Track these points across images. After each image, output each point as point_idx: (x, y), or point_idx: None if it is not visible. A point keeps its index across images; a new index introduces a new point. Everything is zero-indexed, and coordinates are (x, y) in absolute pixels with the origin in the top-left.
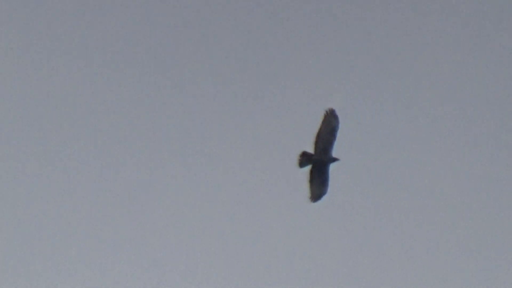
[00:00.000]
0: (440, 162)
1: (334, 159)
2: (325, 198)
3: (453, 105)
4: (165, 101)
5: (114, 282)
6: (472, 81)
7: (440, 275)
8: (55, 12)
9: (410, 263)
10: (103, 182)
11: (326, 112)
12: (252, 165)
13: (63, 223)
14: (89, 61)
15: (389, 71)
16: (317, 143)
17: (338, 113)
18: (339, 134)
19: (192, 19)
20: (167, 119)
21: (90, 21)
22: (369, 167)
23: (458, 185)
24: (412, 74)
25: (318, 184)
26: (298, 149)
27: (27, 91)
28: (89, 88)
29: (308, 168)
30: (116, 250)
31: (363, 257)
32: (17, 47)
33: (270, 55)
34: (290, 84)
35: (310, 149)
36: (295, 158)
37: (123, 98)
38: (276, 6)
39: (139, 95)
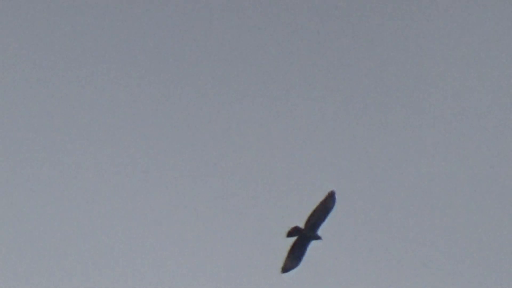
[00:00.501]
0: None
1: (318, 237)
2: (293, 272)
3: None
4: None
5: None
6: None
7: None
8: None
9: None
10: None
11: (328, 193)
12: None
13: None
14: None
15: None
16: (309, 219)
17: (336, 196)
18: (330, 216)
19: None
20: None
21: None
22: (348, 247)
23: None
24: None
25: (294, 257)
26: (290, 222)
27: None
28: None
29: (293, 240)
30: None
31: None
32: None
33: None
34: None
35: (301, 224)
36: (286, 228)
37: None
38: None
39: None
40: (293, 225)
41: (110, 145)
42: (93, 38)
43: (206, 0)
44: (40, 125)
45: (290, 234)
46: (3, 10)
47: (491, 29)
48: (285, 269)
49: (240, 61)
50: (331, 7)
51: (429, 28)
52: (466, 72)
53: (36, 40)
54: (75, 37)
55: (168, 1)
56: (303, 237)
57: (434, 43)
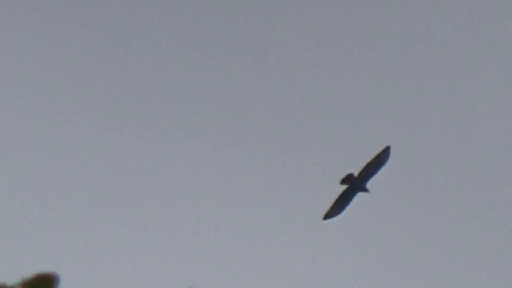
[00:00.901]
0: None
1: (366, 190)
2: (335, 220)
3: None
4: None
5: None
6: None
7: None
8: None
9: None
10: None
11: (385, 147)
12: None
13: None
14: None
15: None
16: (363, 170)
17: (391, 152)
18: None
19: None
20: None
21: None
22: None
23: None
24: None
25: (340, 206)
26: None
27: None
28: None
29: (344, 187)
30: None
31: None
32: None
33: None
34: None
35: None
36: (341, 174)
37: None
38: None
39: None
40: (347, 173)
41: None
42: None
43: None
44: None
45: (343, 181)
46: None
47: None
48: (328, 216)
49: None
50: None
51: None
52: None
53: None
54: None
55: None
56: (353, 186)
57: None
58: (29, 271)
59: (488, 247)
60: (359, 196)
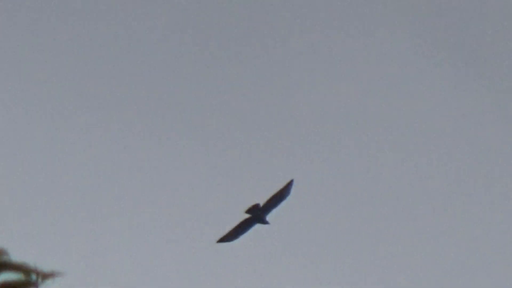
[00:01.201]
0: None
1: (266, 222)
2: (225, 244)
3: None
4: None
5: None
6: None
7: None
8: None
9: None
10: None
11: (290, 181)
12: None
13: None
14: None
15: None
16: (267, 202)
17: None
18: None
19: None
20: None
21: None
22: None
23: None
24: None
25: (237, 232)
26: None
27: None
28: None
29: (246, 216)
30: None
31: None
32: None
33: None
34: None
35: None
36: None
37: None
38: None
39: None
40: (255, 203)
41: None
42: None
43: None
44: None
45: (249, 210)
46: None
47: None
48: (222, 239)
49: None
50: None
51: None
52: None
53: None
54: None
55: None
56: (255, 217)
57: None
58: None
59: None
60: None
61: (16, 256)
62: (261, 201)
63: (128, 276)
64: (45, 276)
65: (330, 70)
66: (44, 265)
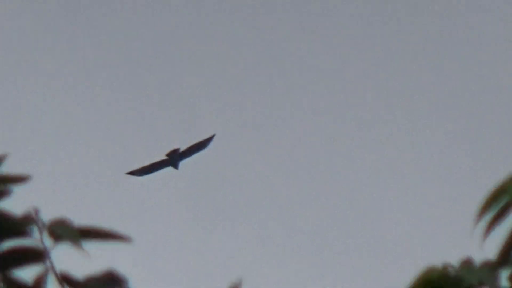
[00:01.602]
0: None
1: (176, 167)
2: (132, 177)
3: None
4: None
5: None
6: None
7: None
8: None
9: None
10: None
11: (212, 136)
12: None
13: None
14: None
15: None
16: (186, 150)
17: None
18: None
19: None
20: None
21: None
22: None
23: None
24: None
25: (146, 170)
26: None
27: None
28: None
29: (163, 158)
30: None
31: None
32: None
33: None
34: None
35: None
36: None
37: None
38: None
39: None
40: (175, 147)
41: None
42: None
43: None
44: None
45: (169, 153)
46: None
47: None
48: (132, 173)
49: None
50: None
51: None
52: None
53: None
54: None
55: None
56: (170, 160)
57: None
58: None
59: None
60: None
61: None
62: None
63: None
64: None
65: None
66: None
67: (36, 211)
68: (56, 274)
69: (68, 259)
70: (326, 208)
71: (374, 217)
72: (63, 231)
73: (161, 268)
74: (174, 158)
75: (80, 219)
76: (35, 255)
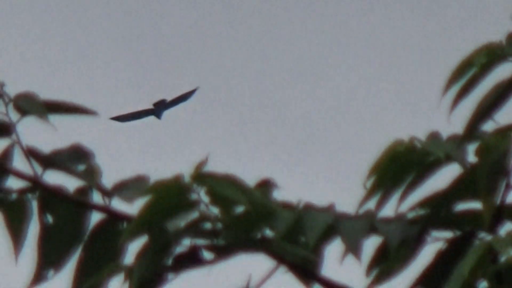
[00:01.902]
0: None
1: (159, 117)
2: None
3: None
4: None
5: None
6: None
7: None
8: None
9: None
10: None
11: (195, 88)
12: None
13: None
14: None
15: None
16: (171, 101)
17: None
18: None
19: None
20: None
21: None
22: None
23: None
24: None
25: (133, 116)
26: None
27: None
28: None
29: (149, 107)
30: None
31: None
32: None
33: None
34: None
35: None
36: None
37: None
38: None
39: None
40: (162, 98)
41: None
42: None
43: None
44: None
45: (156, 103)
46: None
47: None
48: (116, 118)
49: None
50: None
51: None
52: None
53: None
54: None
55: None
56: (155, 110)
57: None
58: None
59: None
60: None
61: None
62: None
63: None
64: None
65: None
66: None
67: (1, 85)
68: (22, 148)
69: (34, 133)
70: (291, 78)
71: (341, 90)
72: (29, 104)
73: (126, 142)
74: (159, 108)
75: (46, 95)
76: (1, 129)
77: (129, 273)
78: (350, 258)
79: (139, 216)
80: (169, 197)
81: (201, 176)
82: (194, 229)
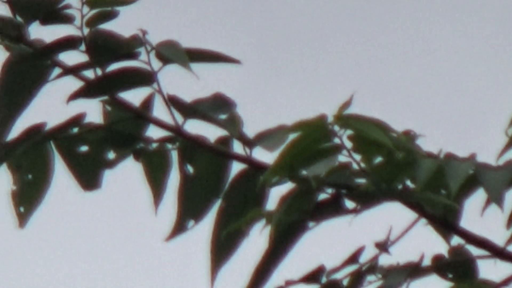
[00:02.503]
0: None
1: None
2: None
3: None
4: None
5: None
6: None
7: None
8: None
9: None
10: None
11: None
12: None
13: None
14: None
15: None
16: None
17: None
18: None
19: None
20: None
21: None
22: None
23: None
24: None
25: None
26: None
27: None
28: None
29: None
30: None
31: None
32: None
33: None
34: None
35: None
36: None
37: None
38: None
39: None
40: None
41: None
42: None
43: None
44: None
45: None
46: None
47: None
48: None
49: None
50: None
51: None
52: None
53: None
54: None
55: None
56: None
57: None
58: None
59: None
60: None
61: None
62: None
63: None
64: None
65: None
66: None
67: (144, 33)
68: (163, 97)
69: (176, 82)
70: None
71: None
72: (171, 52)
73: (268, 91)
74: None
75: (188, 44)
76: (143, 77)
77: (270, 218)
78: (490, 211)
79: (280, 157)
80: (312, 139)
81: (345, 118)
82: (335, 176)
